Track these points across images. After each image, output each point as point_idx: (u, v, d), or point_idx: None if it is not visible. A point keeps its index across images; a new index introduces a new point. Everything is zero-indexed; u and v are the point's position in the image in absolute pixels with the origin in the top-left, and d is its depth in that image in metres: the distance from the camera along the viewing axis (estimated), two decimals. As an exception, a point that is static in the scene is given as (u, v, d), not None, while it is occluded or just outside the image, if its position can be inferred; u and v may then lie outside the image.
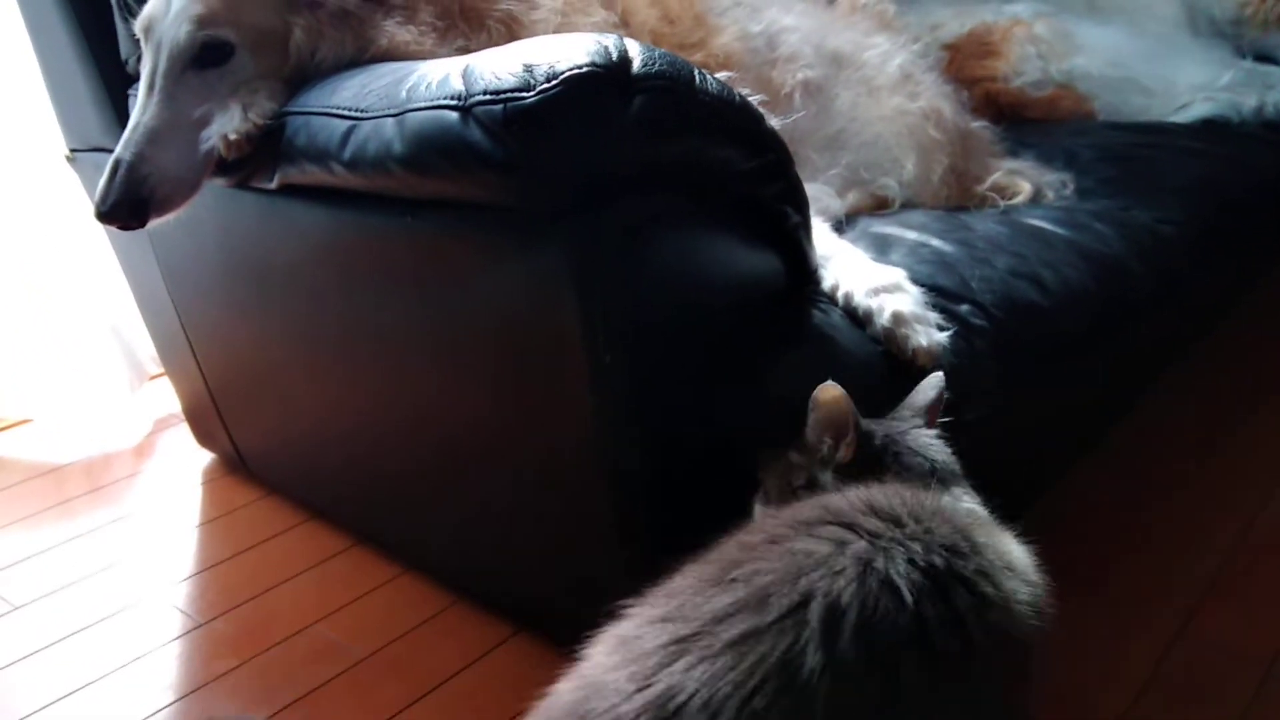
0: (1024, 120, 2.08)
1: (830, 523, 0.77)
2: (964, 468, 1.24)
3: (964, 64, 2.12)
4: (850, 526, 0.76)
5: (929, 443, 0.97)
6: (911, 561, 0.74)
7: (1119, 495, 1.69)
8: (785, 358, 1.12)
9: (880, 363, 1.13)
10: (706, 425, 1.09)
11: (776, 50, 1.63)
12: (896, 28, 1.79)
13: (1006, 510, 1.39)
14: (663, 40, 1.51)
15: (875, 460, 0.94)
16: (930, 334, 1.12)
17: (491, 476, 1.28)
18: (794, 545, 0.75)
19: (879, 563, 0.73)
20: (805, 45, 1.64)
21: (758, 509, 1.00)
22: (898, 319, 1.12)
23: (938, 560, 0.75)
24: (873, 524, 0.77)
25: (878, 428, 0.97)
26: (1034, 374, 1.28)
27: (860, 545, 0.74)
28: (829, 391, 0.93)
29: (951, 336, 1.15)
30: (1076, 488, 1.67)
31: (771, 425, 1.10)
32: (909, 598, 0.71)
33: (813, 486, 0.94)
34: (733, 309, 1.12)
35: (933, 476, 0.93)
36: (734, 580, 0.73)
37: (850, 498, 0.81)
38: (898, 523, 0.77)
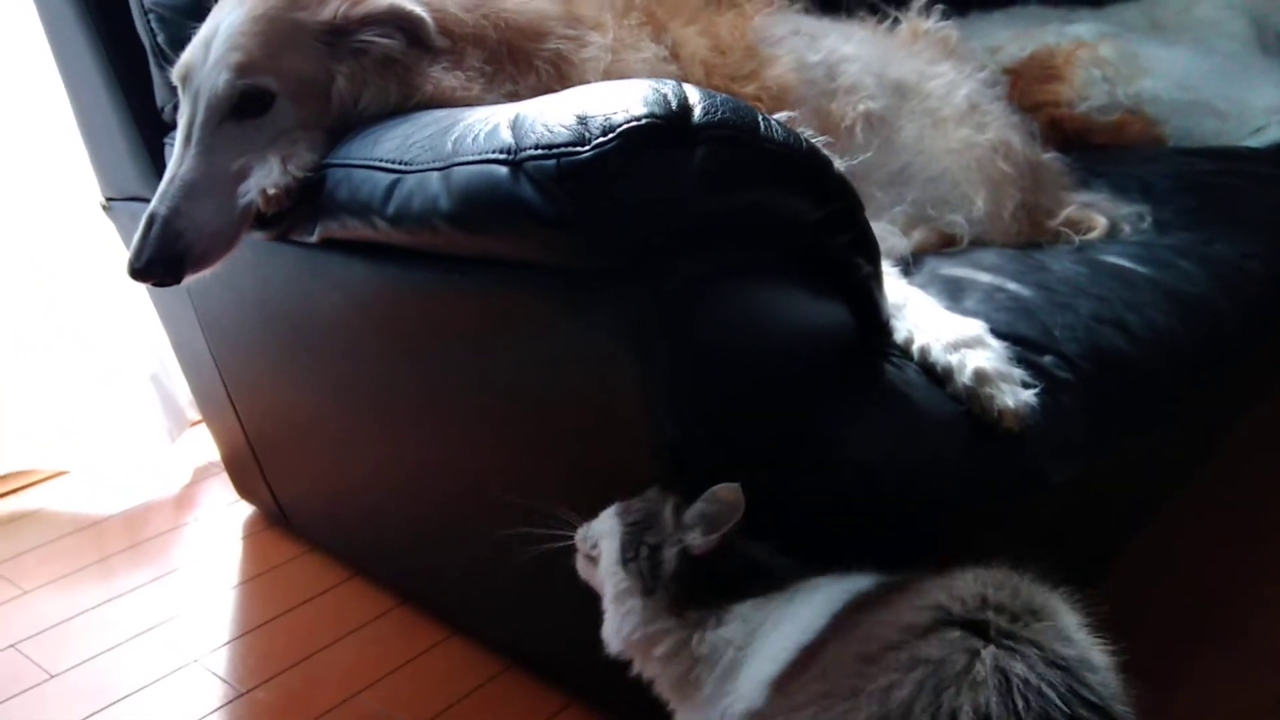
0: (1090, 146, 1.98)
1: (951, 624, 0.72)
2: (1047, 536, 1.17)
3: (1026, 89, 2.03)
4: (975, 628, 0.72)
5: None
6: (1048, 662, 0.70)
7: (1202, 549, 1.59)
8: (859, 419, 1.04)
9: (962, 424, 1.04)
10: (775, 495, 1.01)
11: (836, 81, 1.55)
12: (961, 54, 1.71)
13: (1086, 575, 1.30)
14: (714, 71, 1.44)
15: (723, 567, 0.90)
16: (1016, 393, 1.03)
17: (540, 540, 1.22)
18: (920, 653, 0.70)
19: (1019, 668, 0.68)
20: (866, 75, 1.56)
21: (609, 517, 0.95)
22: (980, 377, 1.04)
23: (1069, 651, 0.71)
24: (1000, 622, 0.72)
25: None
26: (1124, 428, 1.20)
27: (992, 650, 0.70)
28: (730, 494, 0.88)
29: (1038, 393, 1.07)
30: (1156, 542, 1.57)
31: (844, 492, 1.03)
32: (1056, 698, 0.68)
33: (654, 555, 0.89)
34: (801, 367, 1.05)
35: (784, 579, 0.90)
36: (869, 695, 0.69)
37: (959, 593, 0.75)
38: (1016, 616, 0.73)
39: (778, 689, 0.80)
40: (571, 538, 0.98)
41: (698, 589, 0.89)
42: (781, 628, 0.85)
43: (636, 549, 0.91)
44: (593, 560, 0.95)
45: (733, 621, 0.87)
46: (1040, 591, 0.77)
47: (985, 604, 0.73)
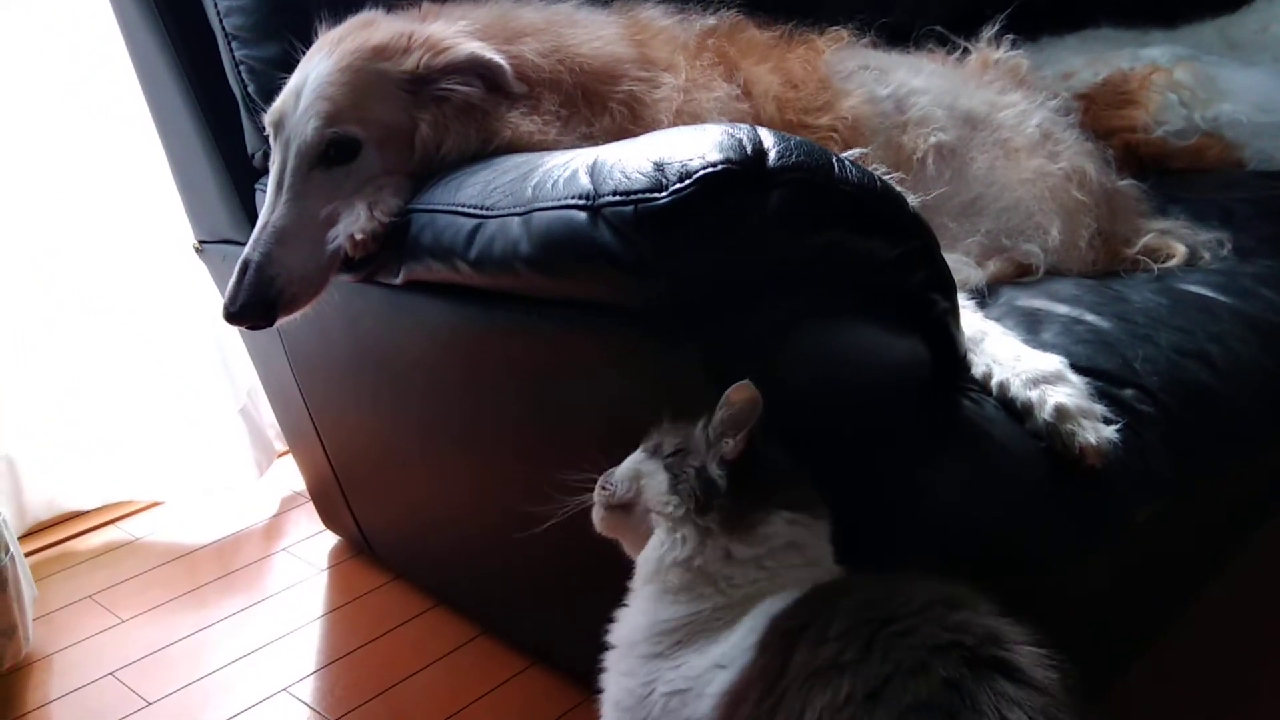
0: (1167, 171, 1.96)
1: None
2: (1127, 574, 1.15)
3: (1100, 114, 2.01)
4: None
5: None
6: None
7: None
8: (937, 455, 1.05)
9: (1041, 461, 1.04)
10: (853, 531, 1.02)
11: (906, 113, 1.55)
12: (1031, 83, 1.70)
13: (1166, 615, 1.27)
14: (788, 105, 1.46)
15: (763, 473, 0.92)
16: (1098, 430, 1.03)
17: (618, 578, 1.23)
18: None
19: None
20: (936, 107, 1.56)
21: (638, 458, 0.96)
22: (1061, 413, 1.03)
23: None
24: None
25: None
26: (1209, 463, 1.18)
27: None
28: (743, 392, 0.90)
29: (1119, 429, 1.06)
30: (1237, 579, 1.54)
31: (922, 528, 1.03)
32: None
33: (701, 475, 0.91)
34: (878, 405, 1.05)
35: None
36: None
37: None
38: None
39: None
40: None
41: (739, 499, 0.91)
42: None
43: (681, 474, 0.93)
44: (623, 508, 0.96)
45: (758, 543, 0.89)
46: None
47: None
